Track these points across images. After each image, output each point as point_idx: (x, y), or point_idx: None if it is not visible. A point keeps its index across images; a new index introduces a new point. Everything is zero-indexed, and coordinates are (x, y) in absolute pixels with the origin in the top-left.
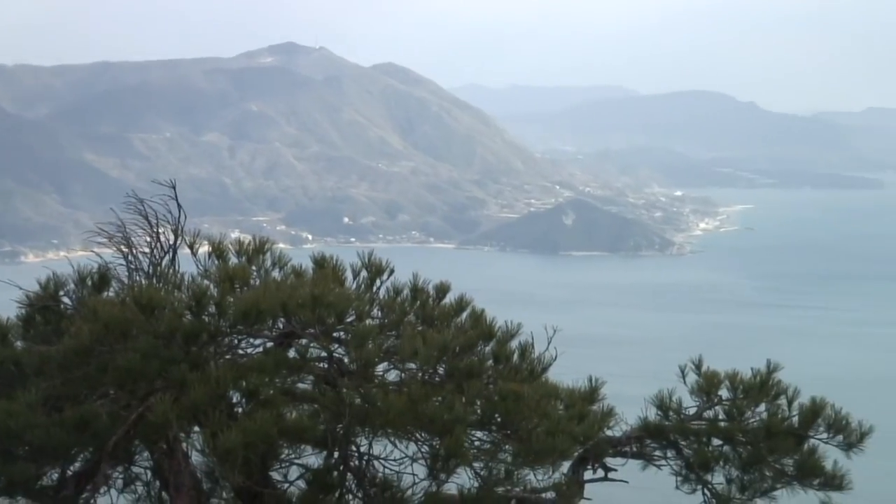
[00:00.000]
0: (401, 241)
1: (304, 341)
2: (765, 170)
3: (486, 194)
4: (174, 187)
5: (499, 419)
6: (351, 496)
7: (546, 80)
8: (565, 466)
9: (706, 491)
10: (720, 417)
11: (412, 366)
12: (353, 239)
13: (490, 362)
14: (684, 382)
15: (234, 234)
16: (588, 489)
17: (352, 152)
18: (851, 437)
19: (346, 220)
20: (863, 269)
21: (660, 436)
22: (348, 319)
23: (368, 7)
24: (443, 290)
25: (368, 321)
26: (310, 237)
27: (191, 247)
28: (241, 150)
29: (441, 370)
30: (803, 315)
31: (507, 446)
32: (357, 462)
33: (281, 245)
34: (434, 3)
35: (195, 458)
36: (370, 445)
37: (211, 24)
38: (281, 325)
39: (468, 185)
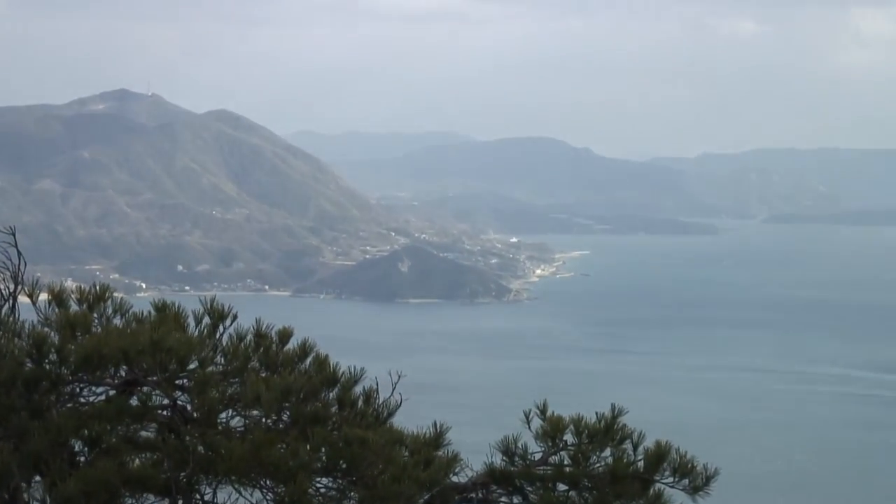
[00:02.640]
0: (236, 289)
1: (146, 388)
2: (600, 215)
3: (322, 241)
4: (14, 234)
5: (344, 465)
6: None
7: (381, 126)
8: None
9: None
10: (566, 462)
11: (255, 412)
12: (187, 287)
13: (335, 408)
14: (529, 428)
15: (68, 283)
16: None
17: (185, 199)
18: (697, 480)
19: (180, 267)
20: (695, 313)
21: (506, 481)
22: (191, 366)
23: (201, 54)
24: (285, 335)
25: (211, 367)
26: (143, 285)
27: (30, 295)
28: (74, 198)
29: (286, 416)
30: (638, 360)
31: (352, 493)
32: None
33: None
34: (266, 51)
35: None
36: (214, 493)
37: (42, 71)
38: (124, 373)
39: (303, 232)
